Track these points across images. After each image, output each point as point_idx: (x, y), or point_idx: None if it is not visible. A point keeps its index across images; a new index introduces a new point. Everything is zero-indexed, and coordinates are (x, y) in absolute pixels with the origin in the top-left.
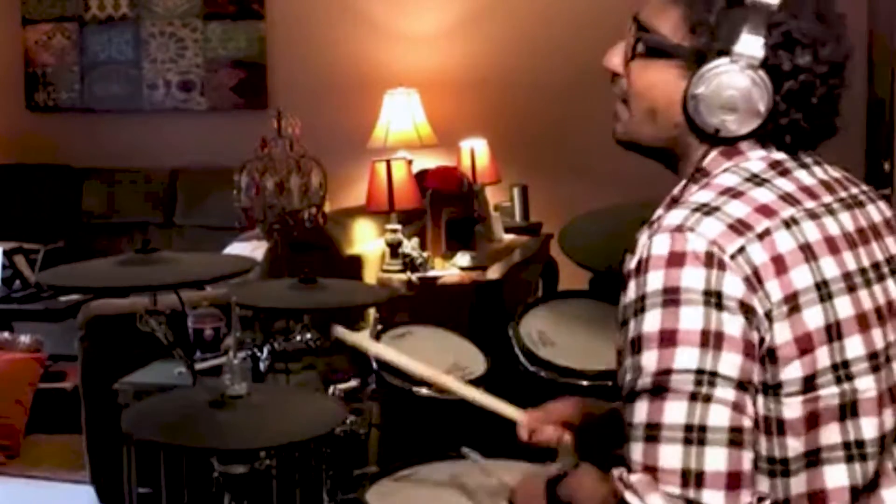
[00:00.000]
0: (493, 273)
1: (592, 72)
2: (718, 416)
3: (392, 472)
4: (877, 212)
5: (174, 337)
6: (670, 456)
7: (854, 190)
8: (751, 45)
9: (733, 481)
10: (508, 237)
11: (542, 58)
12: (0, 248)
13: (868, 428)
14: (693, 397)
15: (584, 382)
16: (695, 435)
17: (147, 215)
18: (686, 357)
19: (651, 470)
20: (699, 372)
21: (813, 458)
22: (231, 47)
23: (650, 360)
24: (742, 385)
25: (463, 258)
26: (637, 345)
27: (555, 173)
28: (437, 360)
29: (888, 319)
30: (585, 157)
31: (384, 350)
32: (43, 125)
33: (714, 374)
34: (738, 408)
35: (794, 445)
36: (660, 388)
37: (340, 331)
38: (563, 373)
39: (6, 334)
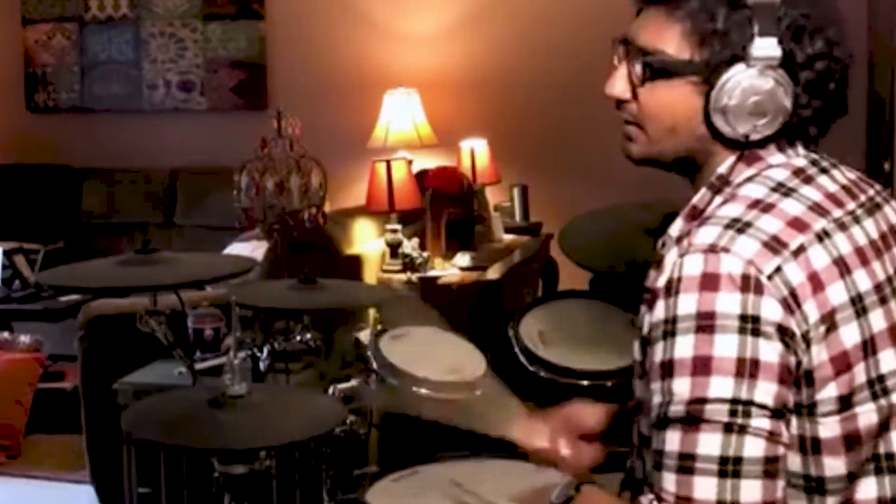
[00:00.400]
0: (493, 273)
1: (592, 72)
2: (754, 448)
3: (392, 472)
4: (893, 213)
5: (174, 337)
6: (705, 488)
7: (871, 192)
8: (765, 46)
9: None
10: (508, 237)
11: (542, 58)
12: (0, 248)
13: None
14: (728, 428)
15: (584, 382)
16: (730, 468)
17: (147, 215)
18: (721, 386)
19: (685, 501)
20: (734, 402)
21: (852, 476)
22: (231, 47)
23: (683, 387)
24: (777, 413)
25: (463, 258)
26: (669, 369)
27: (555, 173)
28: (437, 361)
29: None
30: (585, 157)
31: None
32: (43, 125)
33: (749, 402)
34: (772, 437)
35: (833, 465)
36: (694, 419)
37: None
38: (562, 373)
39: (6, 334)
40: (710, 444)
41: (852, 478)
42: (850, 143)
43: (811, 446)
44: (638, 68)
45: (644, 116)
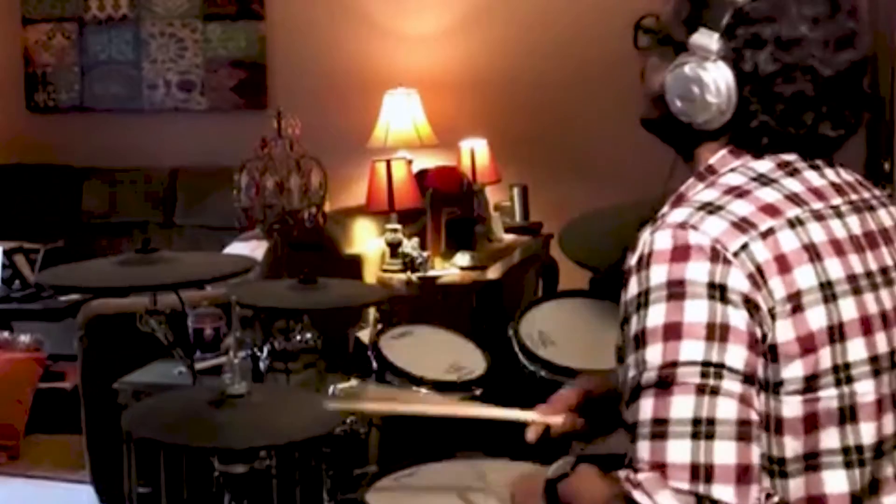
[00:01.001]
0: (493, 273)
1: (593, 72)
2: (727, 409)
3: (392, 472)
4: (888, 217)
5: (174, 337)
6: (679, 451)
7: (866, 194)
8: (706, 37)
9: (743, 475)
10: (508, 237)
11: (542, 58)
12: (0, 248)
13: (867, 433)
14: (700, 390)
15: None
16: (703, 428)
17: (147, 215)
18: (692, 349)
19: (659, 467)
20: (706, 364)
21: (812, 462)
22: (231, 47)
23: (655, 354)
24: (748, 378)
25: (463, 258)
26: (641, 339)
27: (555, 173)
28: (436, 360)
29: (894, 324)
30: (585, 157)
31: (384, 405)
32: (43, 125)
33: (721, 365)
34: (745, 400)
35: (793, 446)
36: (665, 383)
37: (333, 405)
38: (562, 373)
39: (6, 334)
40: (682, 406)
41: (812, 464)
42: (850, 143)
43: (775, 425)
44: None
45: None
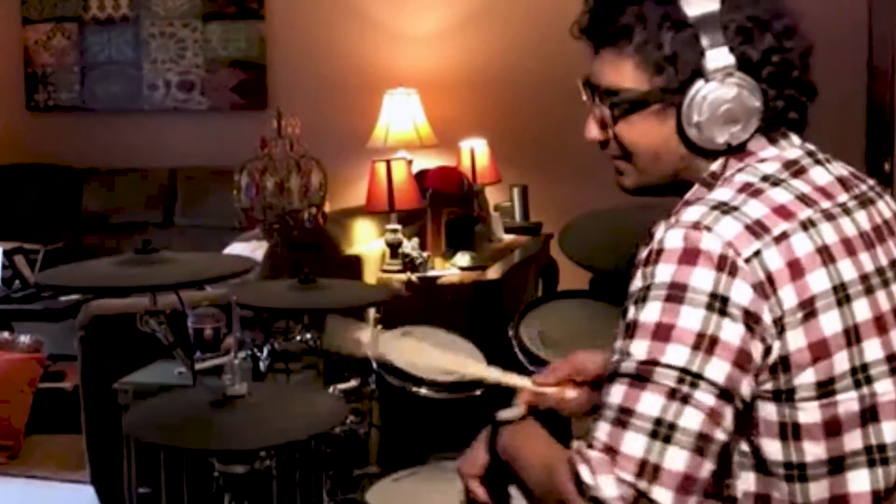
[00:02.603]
0: (493, 273)
1: None
2: (691, 419)
3: (392, 472)
4: (886, 207)
5: (174, 337)
6: (633, 443)
7: (863, 186)
8: (718, 57)
9: (686, 484)
10: (508, 237)
11: (542, 58)
12: (0, 248)
13: (889, 432)
14: (672, 394)
15: None
16: (663, 430)
17: (147, 215)
18: (676, 354)
19: (611, 451)
20: (684, 371)
21: (837, 465)
22: (231, 47)
23: (640, 347)
24: (725, 393)
25: (463, 258)
26: (631, 330)
27: (555, 173)
28: (437, 360)
29: None
30: (585, 157)
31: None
32: (43, 125)
33: (699, 376)
34: (713, 416)
35: (814, 451)
36: (641, 377)
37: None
38: None
39: (6, 334)
40: (650, 403)
41: (837, 467)
42: (850, 143)
43: (792, 432)
44: (606, 111)
45: (629, 150)
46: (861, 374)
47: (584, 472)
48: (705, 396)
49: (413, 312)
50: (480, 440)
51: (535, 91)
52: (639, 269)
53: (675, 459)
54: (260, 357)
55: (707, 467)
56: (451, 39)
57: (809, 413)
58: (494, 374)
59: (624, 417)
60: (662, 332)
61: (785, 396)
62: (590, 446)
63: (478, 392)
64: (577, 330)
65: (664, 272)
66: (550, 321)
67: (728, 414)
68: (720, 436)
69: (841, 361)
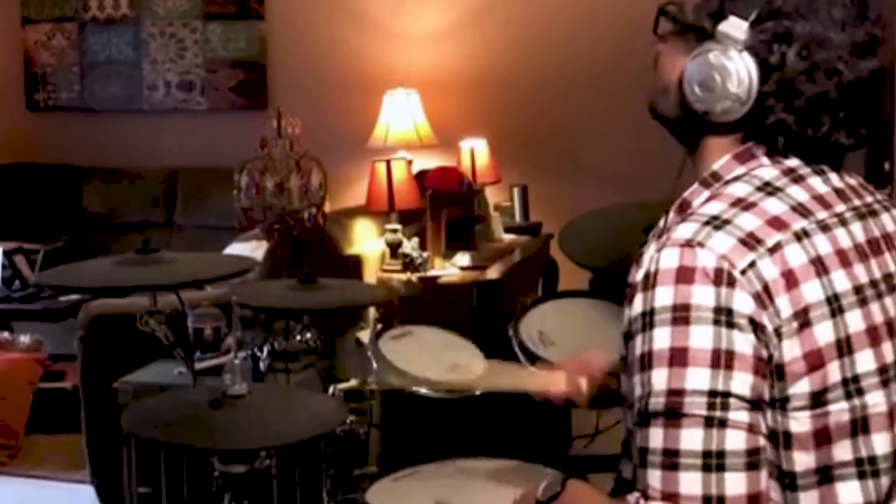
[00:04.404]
0: (493, 273)
1: (592, 71)
2: (735, 441)
3: (392, 472)
4: (891, 221)
5: (174, 337)
6: (691, 483)
7: (869, 199)
8: (734, 27)
9: (753, 502)
10: (508, 237)
11: (542, 58)
12: (0, 248)
13: (879, 444)
14: (708, 422)
15: None
16: (713, 461)
17: (147, 215)
18: (698, 378)
19: (671, 497)
20: (712, 394)
21: (825, 475)
22: (231, 47)
23: (660, 379)
24: (755, 404)
25: (463, 258)
26: (647, 362)
27: (555, 173)
28: (436, 360)
29: None
30: (585, 157)
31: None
32: (43, 125)
33: (727, 394)
34: (753, 429)
35: (803, 460)
36: (674, 412)
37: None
38: None
39: (6, 334)
40: (692, 439)
41: (825, 477)
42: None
43: (783, 441)
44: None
45: (657, 67)
46: (852, 386)
47: None
48: (739, 414)
49: (413, 312)
50: None
51: (535, 91)
52: (637, 293)
53: (735, 484)
54: (260, 357)
55: (764, 476)
56: (451, 39)
57: (801, 422)
58: (503, 381)
59: (672, 460)
60: (678, 358)
61: (779, 405)
62: (646, 497)
63: (478, 393)
64: (577, 330)
65: (664, 295)
66: (550, 321)
67: (762, 421)
68: (763, 443)
69: (833, 372)
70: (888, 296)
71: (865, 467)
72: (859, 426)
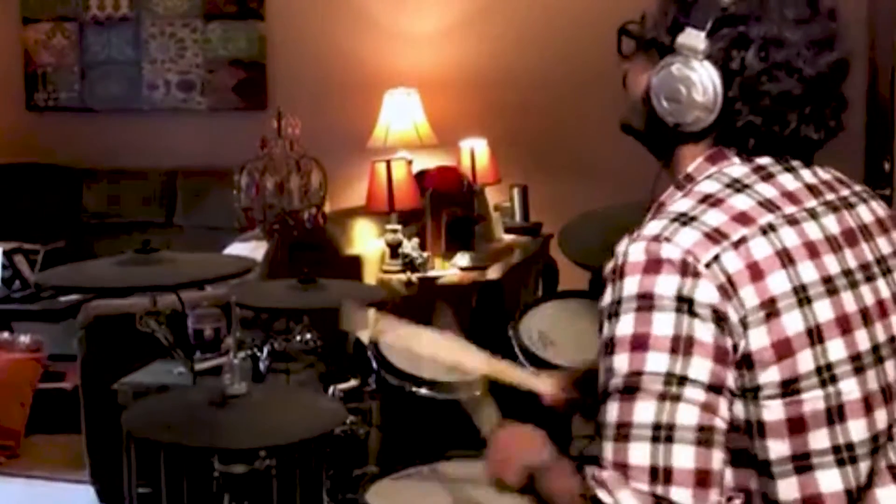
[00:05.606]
0: (493, 273)
1: (592, 72)
2: (686, 415)
3: (392, 472)
4: (868, 212)
5: (174, 337)
6: (639, 453)
7: (844, 192)
8: (692, 38)
9: (701, 479)
10: (508, 237)
11: (542, 58)
12: (0, 248)
13: (856, 430)
14: (662, 397)
15: None
16: (663, 433)
17: (147, 215)
18: (657, 361)
19: (621, 467)
20: (669, 375)
21: (802, 463)
22: (231, 47)
23: (622, 362)
24: (714, 388)
25: (463, 258)
26: (610, 347)
27: (555, 173)
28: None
29: (877, 320)
30: (585, 157)
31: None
32: (43, 125)
33: (684, 378)
34: (708, 408)
35: (778, 448)
36: (630, 389)
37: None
38: None
39: (6, 334)
40: (644, 411)
41: (804, 465)
42: (850, 143)
43: (757, 430)
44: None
45: (625, 86)
46: (826, 374)
47: (602, 494)
48: (695, 392)
49: (413, 312)
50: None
51: (535, 91)
52: (608, 284)
53: (683, 457)
54: (260, 357)
55: (717, 457)
56: (451, 39)
57: (773, 411)
58: (512, 375)
59: (623, 431)
60: (639, 343)
61: (750, 394)
62: (601, 468)
63: (478, 393)
64: (577, 330)
65: (631, 285)
66: (550, 321)
67: (721, 404)
68: (719, 424)
69: (805, 360)
70: (865, 284)
71: (843, 454)
72: (835, 414)
